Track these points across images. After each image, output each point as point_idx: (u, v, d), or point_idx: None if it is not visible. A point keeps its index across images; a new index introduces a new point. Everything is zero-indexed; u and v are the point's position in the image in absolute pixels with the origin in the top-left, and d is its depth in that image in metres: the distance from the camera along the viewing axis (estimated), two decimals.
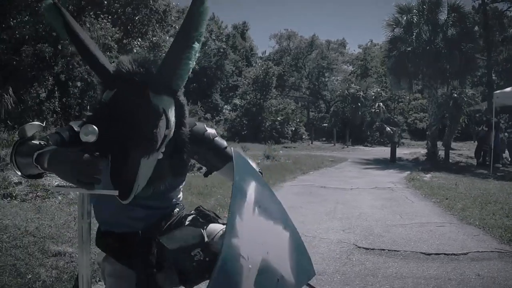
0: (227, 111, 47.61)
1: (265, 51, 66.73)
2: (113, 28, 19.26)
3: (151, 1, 27.09)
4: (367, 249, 5.50)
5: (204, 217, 2.59)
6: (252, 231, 2.51)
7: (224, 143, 2.59)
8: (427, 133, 25.07)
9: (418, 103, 44.25)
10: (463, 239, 6.05)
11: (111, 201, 2.08)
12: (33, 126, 2.04)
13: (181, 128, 2.27)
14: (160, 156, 2.14)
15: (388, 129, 34.24)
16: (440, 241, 5.89)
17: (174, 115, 2.20)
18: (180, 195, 2.70)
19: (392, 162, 21.13)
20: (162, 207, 2.53)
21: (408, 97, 46.48)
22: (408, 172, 15.73)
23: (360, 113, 39.49)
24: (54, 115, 21.35)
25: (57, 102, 22.84)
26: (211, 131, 2.56)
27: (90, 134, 1.75)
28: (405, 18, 23.14)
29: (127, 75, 2.03)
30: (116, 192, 1.89)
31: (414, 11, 22.96)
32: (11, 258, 4.37)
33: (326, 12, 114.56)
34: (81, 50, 2.13)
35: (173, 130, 2.18)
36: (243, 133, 39.04)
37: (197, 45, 2.17)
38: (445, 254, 5.32)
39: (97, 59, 2.10)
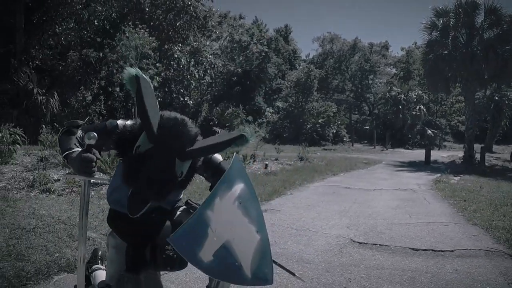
0: (269, 114, 47.94)
1: (309, 54, 66.81)
2: (151, 38, 19.92)
3: (191, 8, 27.79)
4: (360, 243, 5.92)
5: (193, 209, 3.22)
6: (226, 215, 3.05)
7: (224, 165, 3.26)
8: (465, 136, 25.05)
9: (461, 106, 43.86)
10: (460, 238, 6.34)
11: (125, 187, 2.86)
12: (75, 122, 2.99)
13: (194, 171, 2.97)
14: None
15: (429, 131, 34.13)
16: (435, 239, 6.21)
17: (188, 167, 2.90)
18: (181, 195, 3.36)
19: (426, 165, 21.22)
20: (165, 206, 3.16)
21: (450, 100, 46.02)
22: (439, 174, 15.88)
23: (401, 115, 39.37)
24: (100, 117, 22.03)
25: (102, 105, 23.54)
26: (220, 158, 3.27)
27: (91, 138, 2.60)
28: (441, 21, 23.16)
29: (165, 144, 2.76)
30: (106, 180, 2.86)
31: (451, 14, 22.94)
32: (43, 240, 5.14)
33: (369, 14, 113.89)
34: (140, 111, 2.72)
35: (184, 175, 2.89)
36: (284, 135, 39.34)
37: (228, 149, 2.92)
38: (432, 250, 5.66)
39: (148, 119, 2.73)
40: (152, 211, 3.03)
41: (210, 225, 2.86)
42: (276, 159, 17.77)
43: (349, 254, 5.41)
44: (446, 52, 22.85)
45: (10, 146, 10.65)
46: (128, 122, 3.04)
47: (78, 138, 2.86)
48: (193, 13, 28.07)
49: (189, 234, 2.87)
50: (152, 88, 2.89)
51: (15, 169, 9.73)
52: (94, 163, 2.60)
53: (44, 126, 12.81)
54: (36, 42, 25.75)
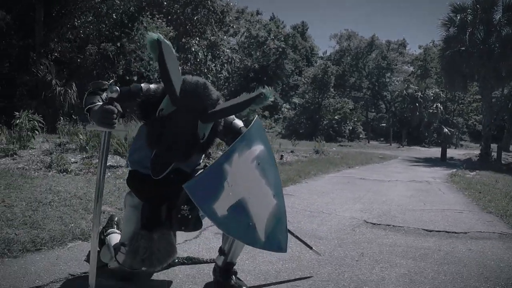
0: (285, 110, 48.01)
1: (326, 51, 66.75)
2: (168, 27, 20.05)
3: (209, 2, 27.88)
4: (374, 224, 5.94)
5: None
6: (244, 172, 3.13)
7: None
8: (482, 134, 24.90)
9: (478, 105, 43.59)
10: (473, 223, 6.33)
11: (147, 149, 3.05)
12: (101, 83, 3.06)
13: (215, 135, 3.14)
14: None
15: (446, 130, 33.96)
16: (448, 223, 6.20)
17: (210, 130, 3.05)
18: (201, 160, 3.46)
19: (442, 161, 21.16)
20: (186, 168, 3.24)
21: (468, 99, 45.76)
22: (454, 170, 15.82)
23: (418, 113, 39.23)
24: None
25: None
26: (241, 124, 3.37)
27: (114, 92, 2.72)
28: (459, 17, 23.04)
29: (187, 106, 2.89)
30: (126, 132, 3.04)
31: (468, 10, 22.80)
32: (58, 212, 5.24)
33: (387, 12, 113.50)
34: (163, 75, 2.87)
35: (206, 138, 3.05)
36: (300, 131, 39.39)
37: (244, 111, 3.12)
38: (446, 231, 5.66)
39: (171, 82, 2.84)
40: (172, 173, 3.10)
41: (227, 178, 2.94)
42: (292, 152, 17.80)
43: (362, 233, 5.43)
44: (463, 48, 22.75)
45: (29, 132, 10.80)
46: (152, 86, 3.13)
47: (102, 98, 2.94)
48: (211, 7, 28.18)
49: (205, 183, 2.94)
50: (174, 53, 2.97)
51: (34, 153, 9.87)
52: (115, 115, 2.71)
53: (62, 118, 12.91)
54: (55, 35, 25.97)
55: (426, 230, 5.72)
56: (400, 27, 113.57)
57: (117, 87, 2.76)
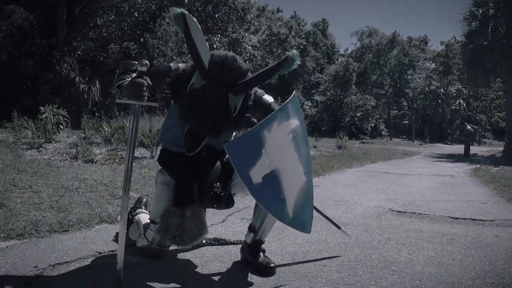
0: (307, 107, 47.92)
1: (347, 49, 66.55)
2: None
3: (230, 0, 27.97)
4: (399, 212, 5.91)
5: None
6: (280, 142, 3.13)
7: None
8: (505, 130, 24.63)
9: (502, 102, 43.14)
10: (499, 212, 6.24)
11: (178, 127, 3.09)
12: (130, 63, 3.14)
13: (246, 109, 3.14)
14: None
15: (469, 127, 33.60)
16: (474, 212, 6.15)
17: (241, 103, 3.06)
18: (232, 137, 3.46)
19: (465, 157, 20.99)
20: (217, 146, 3.23)
21: (491, 96, 45.34)
22: (478, 165, 15.69)
23: (440, 110, 38.94)
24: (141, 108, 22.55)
25: None
26: (271, 99, 3.39)
27: (144, 65, 2.77)
28: (481, 11, 22.80)
29: (217, 78, 2.89)
30: (156, 104, 3.05)
31: (491, 3, 22.54)
32: (85, 198, 5.32)
33: (408, 8, 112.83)
34: (190, 48, 2.90)
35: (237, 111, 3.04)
36: (322, 128, 39.32)
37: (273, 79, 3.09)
38: (472, 219, 5.62)
39: (199, 55, 2.86)
40: (204, 151, 3.11)
41: (265, 145, 2.95)
42: (314, 147, 17.77)
43: (387, 220, 5.41)
44: (485, 43, 22.51)
45: (54, 126, 10.92)
46: (181, 65, 3.16)
47: (132, 76, 2.97)
48: (232, 4, 28.25)
49: (244, 146, 2.97)
50: (200, 27, 2.97)
51: (59, 146, 9.99)
52: (144, 87, 2.74)
53: (85, 115, 13.05)
54: (78, 34, 26.29)
55: (452, 217, 5.69)
56: (422, 23, 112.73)
57: (147, 61, 2.81)
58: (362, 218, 5.42)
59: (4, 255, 3.36)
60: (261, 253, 3.42)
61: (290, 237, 4.20)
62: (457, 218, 5.64)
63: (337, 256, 3.78)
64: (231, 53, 3.00)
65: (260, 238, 3.44)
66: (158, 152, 3.46)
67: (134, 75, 2.94)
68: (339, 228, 4.05)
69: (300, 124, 3.31)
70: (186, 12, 2.87)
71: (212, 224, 4.57)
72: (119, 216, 3.29)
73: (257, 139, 2.94)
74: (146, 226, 3.33)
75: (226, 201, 3.10)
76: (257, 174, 2.91)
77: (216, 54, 2.93)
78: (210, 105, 2.86)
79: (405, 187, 8.64)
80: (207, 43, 3.08)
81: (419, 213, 5.87)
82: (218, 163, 3.21)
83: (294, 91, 3.49)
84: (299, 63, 3.04)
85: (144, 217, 3.52)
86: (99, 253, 3.55)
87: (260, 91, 3.35)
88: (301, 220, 3.27)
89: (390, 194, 7.64)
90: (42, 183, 5.93)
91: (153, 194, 3.45)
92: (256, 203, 3.43)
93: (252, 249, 3.43)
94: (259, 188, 2.92)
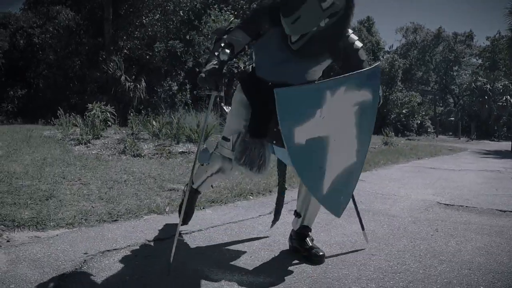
0: None
1: (392, 45, 65.83)
2: (236, 20, 20.27)
3: None
4: (447, 205, 5.82)
5: None
6: (340, 110, 2.97)
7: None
8: None
9: None
10: None
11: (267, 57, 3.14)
12: (222, 30, 3.28)
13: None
14: None
15: None
16: None
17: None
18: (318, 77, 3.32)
19: None
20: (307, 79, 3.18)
21: None
22: None
23: (487, 106, 38.21)
24: (186, 107, 22.76)
25: (188, 95, 24.06)
26: (363, 56, 3.26)
27: (225, 55, 2.91)
28: None
29: None
30: (216, 92, 3.03)
31: None
32: (133, 189, 5.44)
33: (453, 2, 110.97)
34: None
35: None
36: None
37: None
38: None
39: None
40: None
41: (322, 106, 2.82)
42: None
43: (435, 212, 5.35)
44: None
45: (101, 122, 11.14)
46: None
47: (220, 56, 3.00)
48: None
49: (299, 98, 2.86)
50: None
51: (106, 142, 10.18)
52: (219, 79, 2.95)
53: (131, 113, 13.25)
54: (124, 33, 26.69)
55: (500, 210, 5.58)
56: (467, 18, 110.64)
57: (228, 51, 2.95)
58: (410, 211, 5.37)
59: (55, 242, 3.47)
60: (309, 240, 3.43)
61: (338, 228, 4.21)
62: (505, 211, 5.52)
63: (386, 247, 3.76)
64: None
65: (307, 224, 3.45)
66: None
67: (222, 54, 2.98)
68: (363, 229, 3.93)
69: (372, 99, 3.07)
70: None
71: (260, 215, 4.62)
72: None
73: (316, 96, 2.82)
74: (219, 142, 3.38)
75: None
76: (301, 133, 2.79)
77: None
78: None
79: (452, 182, 8.51)
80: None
81: (466, 206, 5.77)
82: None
83: (379, 62, 3.40)
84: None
85: (211, 142, 3.61)
86: (148, 241, 3.63)
87: (353, 36, 3.24)
88: (334, 201, 3.12)
89: (438, 188, 7.53)
90: (91, 175, 6.08)
91: (228, 112, 3.48)
92: (300, 186, 3.42)
93: (299, 236, 3.45)
94: (299, 150, 2.81)
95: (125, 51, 26.14)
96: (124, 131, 12.25)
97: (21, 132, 12.66)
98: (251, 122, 3.13)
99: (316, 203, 3.29)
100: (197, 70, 24.43)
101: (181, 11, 26.92)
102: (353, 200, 3.61)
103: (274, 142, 3.08)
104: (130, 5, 26.88)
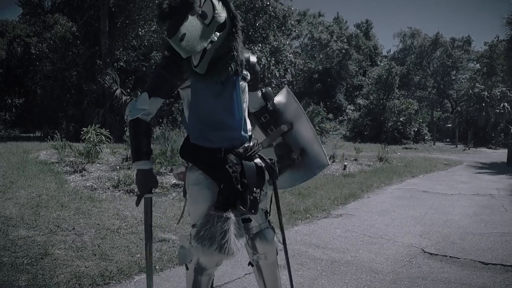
0: (350, 111, 47.80)
1: (390, 50, 66.08)
2: None
3: (270, 8, 28.10)
4: (431, 254, 5.92)
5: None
6: None
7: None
8: None
9: None
10: None
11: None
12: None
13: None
14: None
15: None
16: (507, 252, 6.06)
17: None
18: (249, 126, 3.22)
19: (508, 166, 20.55)
20: (236, 127, 3.03)
21: None
22: None
23: (484, 113, 38.28)
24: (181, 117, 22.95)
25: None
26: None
27: (147, 164, 3.09)
28: None
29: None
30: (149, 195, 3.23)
31: None
32: (125, 241, 5.63)
33: (450, 8, 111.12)
34: None
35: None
36: (365, 133, 39.22)
37: None
38: (502, 265, 5.51)
39: None
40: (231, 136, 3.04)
41: None
42: (355, 159, 17.82)
43: (418, 265, 5.46)
44: None
45: (96, 146, 11.34)
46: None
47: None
48: (272, 12, 28.40)
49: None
50: None
51: (101, 168, 10.42)
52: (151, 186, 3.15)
53: (126, 129, 13.40)
54: (120, 44, 26.80)
55: (482, 263, 5.61)
56: (465, 23, 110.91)
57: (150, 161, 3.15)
58: (393, 263, 5.49)
59: None
60: None
61: None
62: (487, 264, 5.59)
63: None
64: None
65: None
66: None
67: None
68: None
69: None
70: None
71: (246, 274, 4.74)
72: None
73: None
74: (191, 233, 3.02)
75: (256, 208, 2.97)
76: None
77: None
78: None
79: (442, 214, 8.62)
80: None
81: (450, 256, 5.86)
82: (253, 165, 3.03)
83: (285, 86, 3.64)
84: None
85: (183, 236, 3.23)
86: None
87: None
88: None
89: (426, 224, 7.65)
90: (84, 222, 6.23)
91: (187, 199, 3.15)
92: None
93: None
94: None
95: (121, 63, 26.25)
96: (119, 152, 12.43)
97: (18, 154, 12.85)
98: (219, 196, 2.90)
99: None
100: None
101: None
102: (286, 253, 3.47)
103: (253, 211, 2.97)
104: (126, 17, 27.02)
